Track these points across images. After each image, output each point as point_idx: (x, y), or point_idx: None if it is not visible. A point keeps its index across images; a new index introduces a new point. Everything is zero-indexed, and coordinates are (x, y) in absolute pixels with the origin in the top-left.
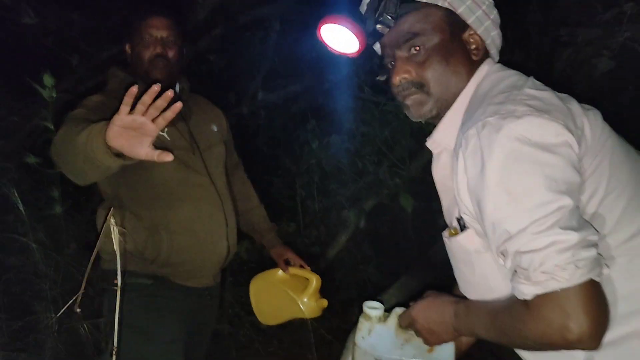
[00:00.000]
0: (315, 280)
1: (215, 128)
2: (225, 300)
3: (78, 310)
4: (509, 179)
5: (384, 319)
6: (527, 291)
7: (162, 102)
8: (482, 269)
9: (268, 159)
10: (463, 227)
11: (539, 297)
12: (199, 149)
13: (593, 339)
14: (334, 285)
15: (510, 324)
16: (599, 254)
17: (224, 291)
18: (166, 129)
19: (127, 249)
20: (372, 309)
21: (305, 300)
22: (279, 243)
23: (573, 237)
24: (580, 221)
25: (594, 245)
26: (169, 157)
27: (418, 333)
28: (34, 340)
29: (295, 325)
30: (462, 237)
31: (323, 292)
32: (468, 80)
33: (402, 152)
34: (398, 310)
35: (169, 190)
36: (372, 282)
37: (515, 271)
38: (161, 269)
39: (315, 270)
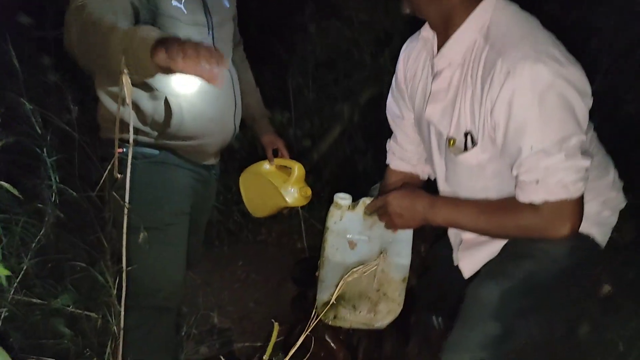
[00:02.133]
0: (297, 169)
1: (227, 4)
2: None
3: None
4: (553, 111)
5: (352, 207)
6: (539, 197)
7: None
8: (484, 181)
9: (259, 45)
10: (468, 142)
11: (548, 203)
12: (212, 25)
13: (573, 234)
14: (326, 178)
15: (508, 218)
16: None
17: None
18: (183, 1)
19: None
20: (342, 199)
21: (289, 188)
22: (271, 131)
23: (587, 162)
24: (588, 151)
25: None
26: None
27: (385, 217)
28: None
29: (286, 215)
30: (469, 155)
31: (315, 184)
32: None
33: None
34: (366, 200)
35: None
36: (365, 176)
37: (537, 181)
38: (167, 142)
39: (306, 163)
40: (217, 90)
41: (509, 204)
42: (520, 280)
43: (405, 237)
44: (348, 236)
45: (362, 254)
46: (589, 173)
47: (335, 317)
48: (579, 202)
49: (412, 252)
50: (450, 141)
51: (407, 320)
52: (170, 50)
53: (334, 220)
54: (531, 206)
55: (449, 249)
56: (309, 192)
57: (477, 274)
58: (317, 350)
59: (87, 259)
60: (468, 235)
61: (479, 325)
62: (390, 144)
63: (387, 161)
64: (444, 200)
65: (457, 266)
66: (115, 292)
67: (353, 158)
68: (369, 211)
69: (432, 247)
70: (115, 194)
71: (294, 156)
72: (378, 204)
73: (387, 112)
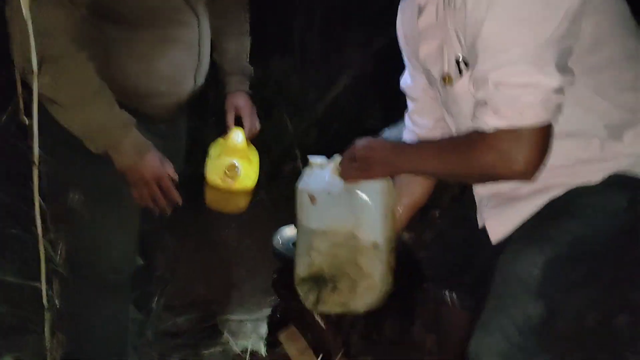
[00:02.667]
0: (233, 135)
1: None
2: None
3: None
4: (520, 8)
5: (323, 166)
6: (491, 123)
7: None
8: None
9: None
10: (462, 67)
11: (500, 130)
12: None
13: (532, 173)
14: (332, 133)
15: (461, 153)
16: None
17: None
18: None
19: None
20: (315, 159)
21: (215, 162)
22: (240, 91)
23: (555, 81)
24: (566, 65)
25: (563, 91)
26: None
27: (349, 166)
28: None
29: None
30: (459, 84)
31: (319, 140)
32: None
33: None
34: (338, 157)
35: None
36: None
37: (485, 102)
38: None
39: (312, 117)
40: (174, 51)
41: (467, 137)
42: (568, 246)
43: (374, 192)
44: (308, 193)
45: (331, 219)
46: (562, 96)
47: (318, 301)
48: (542, 132)
49: (422, 219)
50: (446, 79)
51: (412, 297)
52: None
53: (303, 179)
54: (482, 136)
55: (470, 210)
56: (234, 174)
57: (507, 240)
58: (305, 331)
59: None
60: (500, 188)
61: (517, 304)
62: (406, 120)
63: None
64: (409, 143)
65: (480, 231)
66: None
67: (362, 112)
68: (344, 158)
69: (448, 209)
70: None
71: (292, 111)
72: (347, 154)
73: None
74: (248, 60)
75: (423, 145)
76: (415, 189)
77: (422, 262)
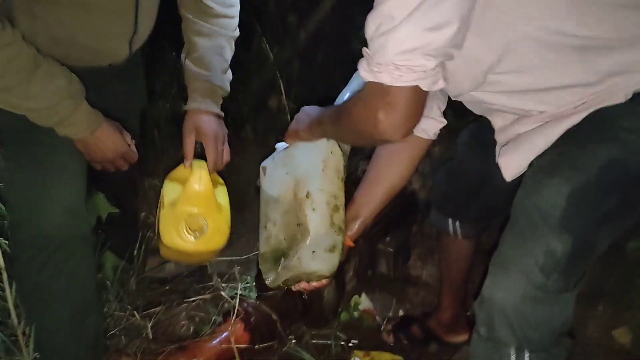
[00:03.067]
0: (195, 172)
1: None
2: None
3: None
4: None
5: None
6: (363, 75)
7: None
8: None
9: None
10: None
11: (371, 83)
12: None
13: (396, 136)
14: (316, 65)
15: (345, 108)
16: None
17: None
18: None
19: None
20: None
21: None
22: (209, 112)
23: (426, 40)
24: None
25: (441, 55)
26: None
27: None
28: None
29: (274, 110)
30: None
31: (308, 70)
32: None
33: None
34: None
35: None
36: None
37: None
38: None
39: (293, 46)
40: (97, 21)
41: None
42: (598, 173)
43: (306, 149)
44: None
45: (278, 185)
46: (436, 60)
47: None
48: (413, 94)
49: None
50: None
51: (407, 234)
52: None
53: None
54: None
55: (488, 133)
56: (199, 231)
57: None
58: None
59: None
60: (517, 129)
61: (539, 239)
62: None
63: None
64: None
65: (491, 161)
66: None
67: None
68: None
69: (462, 132)
70: None
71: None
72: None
73: None
74: (227, 71)
75: (331, 107)
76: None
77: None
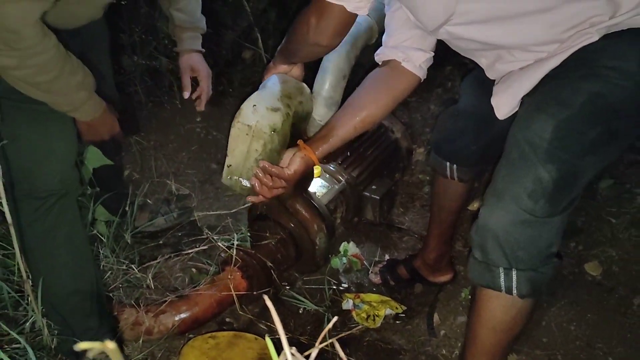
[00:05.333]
0: None
1: None
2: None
3: None
4: None
5: None
6: None
7: None
8: None
9: None
10: None
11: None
12: None
13: (322, 39)
14: (292, 14)
15: (293, 24)
16: None
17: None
18: None
19: None
20: None
21: None
22: (194, 50)
23: None
24: None
25: None
26: None
27: None
28: None
29: (249, 60)
30: None
31: (284, 19)
32: None
33: None
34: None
35: None
36: None
37: None
38: None
39: None
40: None
41: None
42: (582, 106)
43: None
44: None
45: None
46: None
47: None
48: (337, 12)
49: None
50: None
51: (392, 181)
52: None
53: None
54: None
55: (483, 84)
56: None
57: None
58: (286, 221)
59: None
60: (508, 67)
61: (528, 169)
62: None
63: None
64: None
65: (490, 106)
66: None
67: None
68: None
69: (467, 76)
70: None
71: None
72: None
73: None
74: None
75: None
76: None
77: (400, 149)
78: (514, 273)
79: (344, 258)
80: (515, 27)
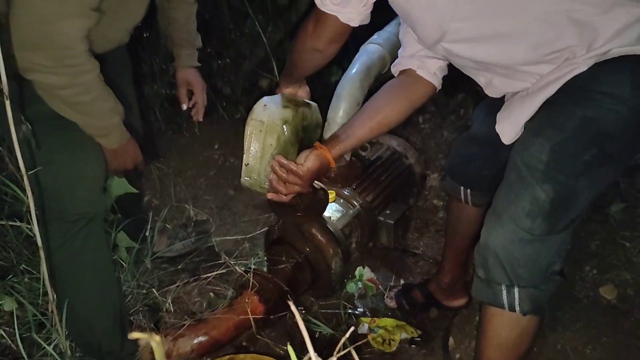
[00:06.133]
0: None
1: None
2: None
3: None
4: None
5: None
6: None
7: None
8: None
9: None
10: None
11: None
12: None
13: (319, 44)
14: None
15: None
16: None
17: None
18: None
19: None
20: None
21: None
22: (190, 66)
23: None
24: None
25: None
26: None
27: None
28: None
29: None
30: None
31: None
32: None
33: None
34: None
35: None
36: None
37: None
38: None
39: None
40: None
41: None
42: (575, 130)
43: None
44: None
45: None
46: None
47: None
48: (331, 21)
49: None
50: None
51: (407, 206)
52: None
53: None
54: None
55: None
56: None
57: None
58: (302, 245)
59: None
60: (512, 90)
61: (525, 189)
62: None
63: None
64: None
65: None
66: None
67: None
68: None
69: (481, 103)
70: None
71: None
72: None
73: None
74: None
75: None
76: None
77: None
78: (515, 290)
79: (359, 283)
80: (502, 46)
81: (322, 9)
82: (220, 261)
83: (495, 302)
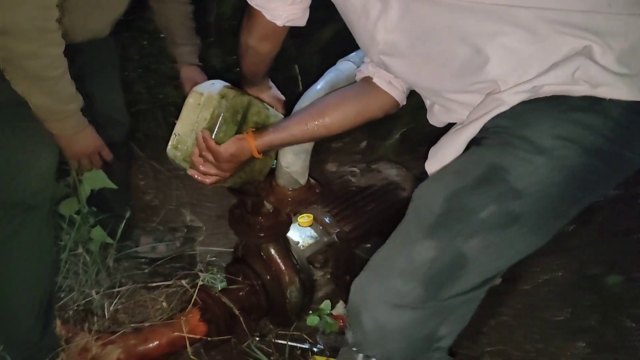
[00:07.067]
0: None
1: None
2: None
3: None
4: None
5: None
6: None
7: None
8: None
9: None
10: None
11: None
12: None
13: (250, 40)
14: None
15: None
16: None
17: None
18: None
19: None
20: None
21: None
22: (193, 62)
23: None
24: None
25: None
26: None
27: None
28: None
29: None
30: None
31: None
32: None
33: None
34: None
35: None
36: None
37: None
38: None
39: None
40: None
41: None
42: (477, 179)
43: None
44: None
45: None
46: None
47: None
48: (261, 18)
49: None
50: None
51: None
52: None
53: None
54: None
55: None
56: None
57: None
58: (261, 268)
59: None
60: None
61: (406, 244)
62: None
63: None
64: None
65: None
66: None
67: None
68: None
69: None
70: None
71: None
72: None
73: None
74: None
75: None
76: None
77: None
78: None
79: (323, 317)
80: (430, 68)
81: (250, 2)
82: (193, 270)
83: None
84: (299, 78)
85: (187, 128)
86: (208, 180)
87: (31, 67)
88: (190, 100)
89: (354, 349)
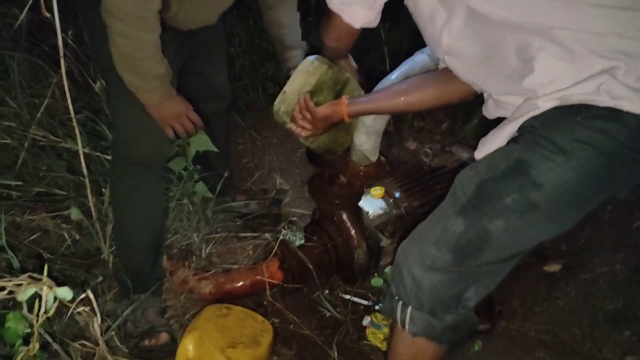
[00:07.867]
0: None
1: None
2: None
3: None
4: None
5: None
6: None
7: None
8: None
9: None
10: None
11: None
12: None
13: (324, 36)
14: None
15: None
16: None
17: None
18: None
19: None
20: None
21: None
22: None
23: None
24: None
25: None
26: None
27: None
28: None
29: None
30: None
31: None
32: None
33: None
34: None
35: None
36: None
37: None
38: None
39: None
40: None
41: None
42: (504, 171)
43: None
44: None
45: None
46: None
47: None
48: (335, 18)
49: None
50: None
51: None
52: (159, 117)
53: None
54: None
55: None
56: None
57: None
58: (334, 231)
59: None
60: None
61: (441, 218)
62: None
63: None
64: None
65: None
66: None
67: None
68: None
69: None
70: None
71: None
72: None
73: None
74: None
75: None
76: None
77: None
78: (408, 309)
79: (387, 280)
80: (483, 72)
81: (329, 6)
82: (277, 227)
83: (392, 315)
84: (387, 60)
85: (294, 88)
86: (303, 133)
87: (122, 45)
88: (301, 67)
89: (396, 297)
